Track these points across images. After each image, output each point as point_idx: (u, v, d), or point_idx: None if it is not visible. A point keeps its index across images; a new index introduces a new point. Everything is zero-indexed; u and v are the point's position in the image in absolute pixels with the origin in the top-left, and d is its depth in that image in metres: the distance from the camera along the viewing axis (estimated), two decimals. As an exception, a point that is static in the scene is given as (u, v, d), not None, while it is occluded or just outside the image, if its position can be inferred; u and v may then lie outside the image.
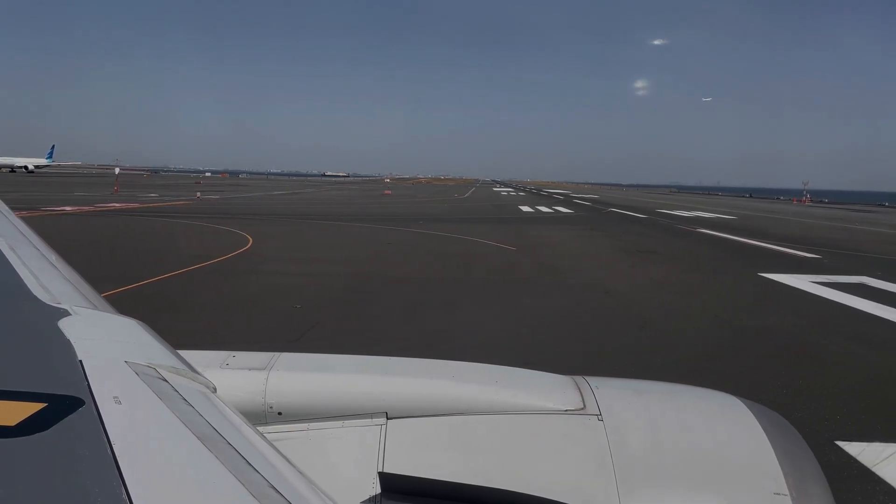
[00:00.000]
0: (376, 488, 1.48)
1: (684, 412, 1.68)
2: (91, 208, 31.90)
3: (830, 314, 11.32)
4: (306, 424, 1.65)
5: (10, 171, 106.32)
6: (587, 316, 10.78)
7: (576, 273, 15.50)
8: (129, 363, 1.03)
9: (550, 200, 64.16)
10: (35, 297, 1.35)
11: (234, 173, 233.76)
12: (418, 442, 1.61)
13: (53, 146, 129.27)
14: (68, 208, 30.89)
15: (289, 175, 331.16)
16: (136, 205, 35.61)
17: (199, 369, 1.19)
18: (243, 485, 0.73)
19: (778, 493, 1.44)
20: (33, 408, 0.82)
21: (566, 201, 63.36)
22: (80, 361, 0.99)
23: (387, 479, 1.45)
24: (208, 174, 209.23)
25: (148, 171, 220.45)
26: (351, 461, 1.58)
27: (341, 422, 1.65)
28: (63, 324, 1.16)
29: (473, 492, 1.42)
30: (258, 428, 1.10)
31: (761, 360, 8.26)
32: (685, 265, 17.73)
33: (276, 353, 1.80)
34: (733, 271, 16.63)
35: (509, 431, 1.60)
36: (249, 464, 0.81)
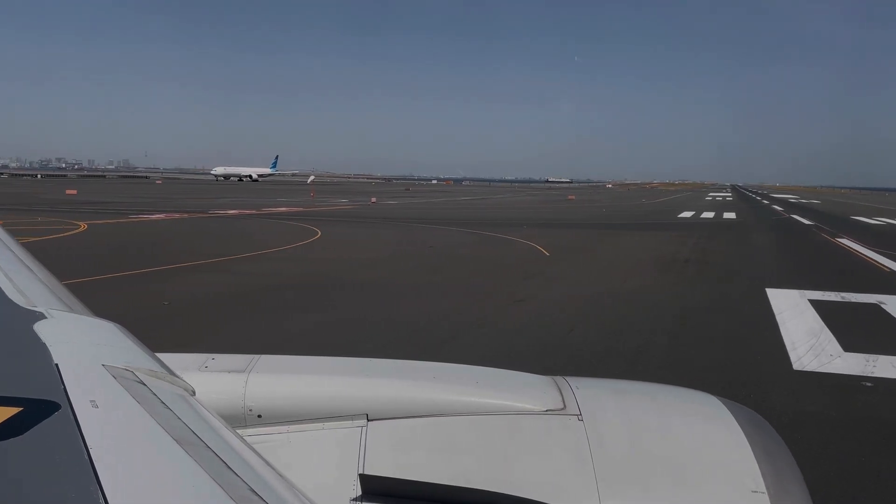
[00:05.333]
0: (357, 490, 1.48)
1: (664, 412, 1.71)
2: (253, 211, 36.80)
3: (723, 322, 9.85)
4: (286, 427, 1.65)
5: (239, 180, 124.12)
6: (440, 321, 10.53)
7: (543, 280, 14.89)
8: (106, 366, 1.02)
9: (747, 205, 58.47)
10: (10, 301, 1.34)
11: (458, 181, 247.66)
12: (399, 443, 1.60)
13: (277, 157, 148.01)
14: (231, 212, 36.01)
15: (513, 181, 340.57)
16: (300, 209, 39.92)
17: (178, 372, 1.20)
18: (223, 488, 0.72)
19: (756, 491, 1.44)
20: (8, 412, 0.80)
21: (764, 207, 57.31)
22: (56, 365, 0.97)
23: (368, 481, 1.45)
24: (434, 181, 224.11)
25: (383, 179, 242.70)
26: (331, 463, 1.57)
27: (321, 424, 1.64)
28: (38, 327, 1.15)
29: (455, 493, 1.42)
30: (238, 431, 1.10)
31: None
32: (696, 278, 15.85)
33: (256, 356, 1.81)
34: (743, 284, 14.56)
35: (490, 432, 1.59)
36: (229, 467, 0.80)
